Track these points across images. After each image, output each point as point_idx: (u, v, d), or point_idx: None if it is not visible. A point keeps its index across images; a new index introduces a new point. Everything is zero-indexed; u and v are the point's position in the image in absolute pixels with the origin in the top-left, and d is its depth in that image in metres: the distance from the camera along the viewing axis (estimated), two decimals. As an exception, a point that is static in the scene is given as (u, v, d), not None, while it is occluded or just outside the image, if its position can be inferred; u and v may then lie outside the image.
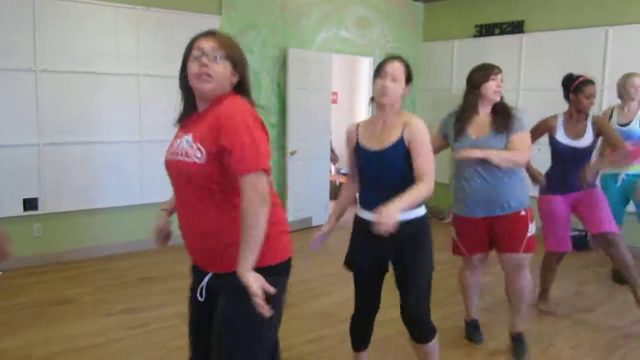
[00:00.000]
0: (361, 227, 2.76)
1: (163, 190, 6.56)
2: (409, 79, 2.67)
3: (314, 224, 7.03)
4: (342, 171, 8.87)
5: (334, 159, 8.17)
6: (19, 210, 5.05)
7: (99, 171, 5.37)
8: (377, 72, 2.65)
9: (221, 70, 1.83)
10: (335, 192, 8.74)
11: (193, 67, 1.82)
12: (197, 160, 1.78)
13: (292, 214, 6.69)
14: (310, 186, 6.86)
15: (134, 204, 5.48)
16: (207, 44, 1.83)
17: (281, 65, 6.56)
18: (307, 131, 6.82)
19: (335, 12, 7.05)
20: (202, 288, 1.95)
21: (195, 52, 1.83)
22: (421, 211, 2.65)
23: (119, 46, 5.41)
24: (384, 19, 7.60)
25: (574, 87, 3.88)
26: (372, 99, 2.71)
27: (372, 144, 2.66)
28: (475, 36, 7.44)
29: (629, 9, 5.97)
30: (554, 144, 3.96)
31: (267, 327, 1.92)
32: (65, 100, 5.16)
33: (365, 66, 7.90)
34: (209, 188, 1.81)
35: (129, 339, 3.64)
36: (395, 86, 2.60)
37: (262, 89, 6.43)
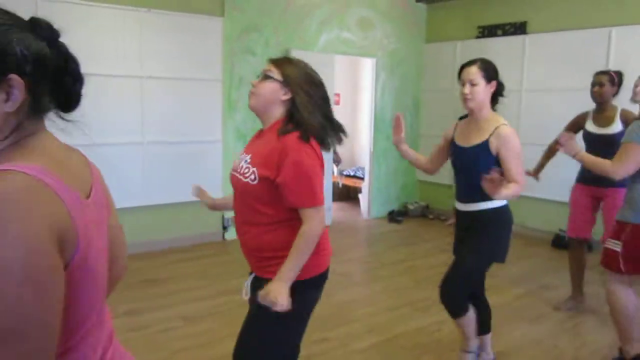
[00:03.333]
0: (457, 217, 3.07)
1: (165, 192, 6.56)
2: (491, 77, 2.94)
3: (316, 225, 7.02)
4: (344, 172, 8.87)
5: (337, 160, 8.18)
6: (22, 212, 5.05)
7: (102, 173, 5.35)
8: (459, 79, 2.90)
9: (266, 88, 2.03)
10: (338, 193, 8.75)
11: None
12: (249, 182, 1.99)
13: (295, 215, 6.69)
14: (313, 188, 6.84)
15: (136, 206, 5.46)
16: (265, 68, 2.07)
17: (284, 66, 6.55)
18: (310, 132, 6.81)
19: (338, 13, 7.05)
20: (246, 286, 2.14)
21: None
22: (501, 202, 2.87)
23: (122, 48, 5.42)
24: (386, 20, 7.60)
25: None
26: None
27: (462, 141, 2.94)
28: (478, 37, 7.43)
29: (631, 9, 5.96)
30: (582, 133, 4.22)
31: (282, 331, 2.11)
32: (68, 102, 5.16)
33: (368, 67, 7.89)
34: (255, 207, 2.01)
35: (132, 341, 3.64)
36: (476, 90, 2.82)
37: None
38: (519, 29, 6.96)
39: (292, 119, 2.02)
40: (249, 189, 1.99)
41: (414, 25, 7.96)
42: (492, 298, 4.56)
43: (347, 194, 9.18)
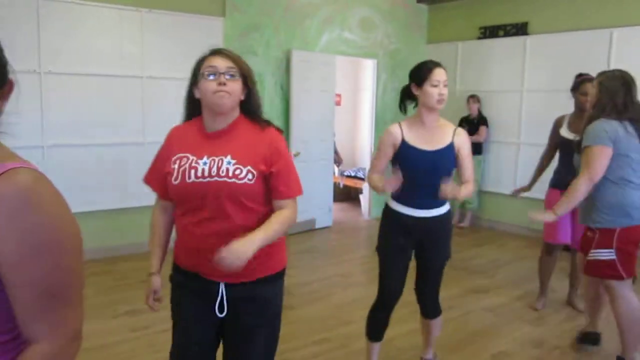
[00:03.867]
0: (394, 219, 2.92)
1: (166, 192, 6.43)
2: None
3: (317, 225, 7.03)
4: (345, 173, 8.88)
5: (337, 160, 8.18)
6: (22, 211, 5.05)
7: (103, 173, 5.37)
8: (425, 79, 2.75)
9: (236, 87, 1.94)
10: (339, 193, 8.74)
11: (210, 85, 1.91)
12: (247, 182, 1.92)
13: (296, 215, 6.69)
14: (313, 188, 6.85)
15: (137, 206, 5.44)
16: (220, 63, 1.93)
17: (285, 67, 6.56)
18: (311, 133, 6.82)
19: (339, 13, 7.05)
20: (221, 300, 1.99)
21: (208, 70, 1.92)
22: (445, 208, 2.92)
23: (123, 48, 5.42)
24: (387, 21, 7.60)
25: (573, 85, 4.08)
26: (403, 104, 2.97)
27: (422, 144, 2.80)
28: (479, 38, 7.42)
29: (633, 10, 5.95)
30: (556, 139, 4.17)
31: (277, 336, 2.15)
32: (68, 103, 5.17)
33: (369, 68, 7.90)
34: (245, 205, 1.94)
35: (133, 341, 3.65)
36: (446, 92, 2.78)
37: (266, 91, 6.44)
38: (520, 29, 6.95)
39: (250, 114, 2.03)
40: (244, 190, 1.91)
41: (416, 26, 7.96)
42: (492, 299, 4.59)
43: (348, 195, 9.18)
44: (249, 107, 2.02)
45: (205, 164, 1.92)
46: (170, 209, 2.11)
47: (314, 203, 6.93)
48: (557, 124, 4.18)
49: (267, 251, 1.93)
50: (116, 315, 4.08)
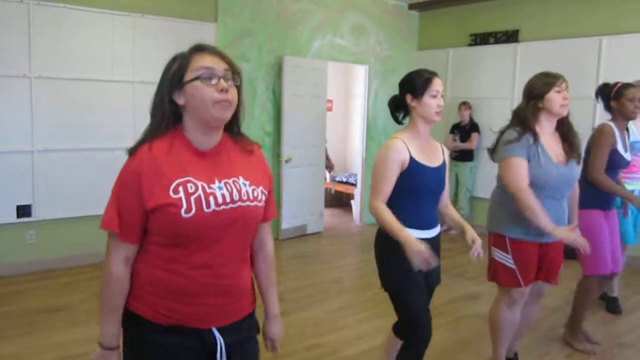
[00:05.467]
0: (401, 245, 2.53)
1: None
2: None
3: (308, 231, 7.02)
4: (337, 179, 8.89)
5: (329, 166, 8.19)
6: (12, 217, 5.03)
7: (94, 178, 5.35)
8: (424, 90, 2.56)
9: (236, 95, 1.62)
10: (330, 199, 8.75)
11: (209, 92, 1.55)
12: (259, 204, 1.70)
13: (287, 221, 6.69)
14: (305, 194, 6.86)
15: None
16: (216, 65, 1.58)
17: (277, 72, 6.57)
18: (302, 138, 6.83)
19: (331, 20, 7.08)
20: (221, 349, 1.68)
21: (204, 72, 1.57)
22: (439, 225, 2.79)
23: (114, 53, 5.41)
24: (379, 27, 7.63)
25: (614, 93, 3.66)
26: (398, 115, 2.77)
27: (426, 161, 2.62)
28: (470, 45, 7.47)
29: (622, 19, 6.02)
30: (612, 156, 3.56)
31: None
32: (60, 107, 5.16)
33: (361, 74, 7.92)
34: (255, 231, 1.76)
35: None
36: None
37: (258, 97, 6.44)
38: (511, 37, 7.00)
39: (232, 128, 1.72)
40: (260, 211, 1.71)
41: (407, 33, 8.00)
42: (483, 305, 4.59)
43: (339, 200, 9.19)
44: (236, 120, 1.70)
45: (221, 188, 1.60)
46: (133, 257, 1.67)
47: (305, 209, 6.93)
48: (611, 138, 3.57)
49: (251, 287, 1.80)
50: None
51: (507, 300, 3.09)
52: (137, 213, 1.59)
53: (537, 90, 2.92)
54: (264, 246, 1.85)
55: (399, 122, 2.78)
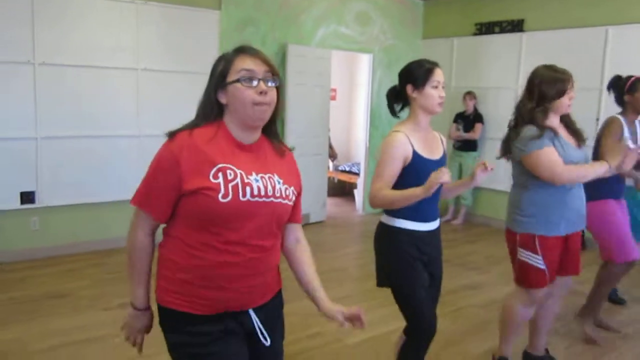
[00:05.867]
0: (406, 239, 2.54)
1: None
2: None
3: (311, 220, 7.03)
4: (340, 168, 8.88)
5: (332, 155, 8.18)
6: (16, 203, 5.04)
7: (97, 165, 5.36)
8: (426, 81, 2.48)
9: (275, 96, 1.69)
10: (333, 188, 8.75)
11: (248, 94, 1.62)
12: (290, 203, 1.78)
13: (290, 210, 6.69)
14: (308, 183, 6.77)
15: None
16: (257, 67, 1.65)
17: (280, 61, 6.54)
18: (306, 128, 6.82)
19: (335, 8, 7.04)
20: (260, 329, 1.78)
21: (244, 74, 1.63)
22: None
23: (118, 40, 5.40)
24: (383, 16, 7.59)
25: (629, 87, 3.62)
26: (394, 105, 2.68)
27: (428, 153, 2.55)
28: (475, 34, 7.43)
29: (628, 8, 5.97)
30: None
31: None
32: (63, 94, 5.15)
33: (365, 63, 7.89)
34: (281, 225, 1.82)
35: (126, 334, 3.64)
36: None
37: (261, 85, 6.42)
38: (516, 26, 6.96)
39: (270, 129, 1.80)
40: (288, 210, 1.79)
41: (411, 21, 7.95)
42: (485, 295, 4.60)
43: (342, 190, 9.19)
44: (274, 121, 1.79)
45: (257, 181, 1.66)
46: (155, 232, 1.76)
47: (308, 198, 6.91)
48: (619, 129, 3.56)
49: (278, 265, 1.88)
50: (110, 307, 4.07)
51: (526, 300, 3.03)
52: (171, 193, 1.64)
53: (550, 95, 2.83)
54: (300, 241, 1.96)
55: (396, 115, 2.69)
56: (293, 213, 1.86)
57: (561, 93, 2.81)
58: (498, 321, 3.27)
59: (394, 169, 2.47)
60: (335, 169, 8.90)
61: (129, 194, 1.71)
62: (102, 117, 5.38)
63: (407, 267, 2.52)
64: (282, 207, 1.74)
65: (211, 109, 1.70)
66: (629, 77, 3.67)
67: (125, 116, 5.49)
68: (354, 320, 1.82)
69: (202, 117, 1.71)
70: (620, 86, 3.69)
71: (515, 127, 2.95)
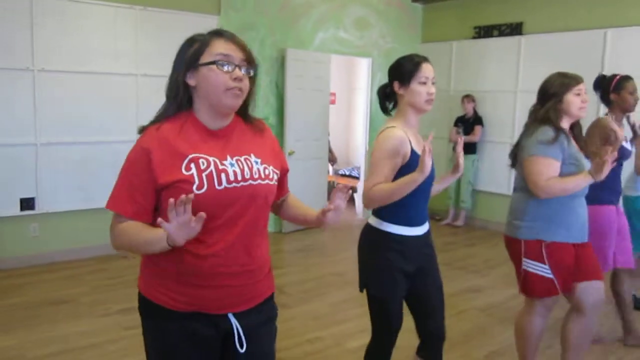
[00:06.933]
0: (395, 246, 2.41)
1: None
2: None
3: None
4: (340, 172, 8.88)
5: (332, 159, 8.18)
6: (15, 210, 5.04)
7: (97, 171, 5.35)
8: (412, 76, 2.37)
9: (248, 84, 1.63)
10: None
11: (222, 78, 1.57)
12: (270, 182, 1.70)
13: (290, 214, 6.68)
14: (308, 186, 6.84)
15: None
16: (234, 53, 1.60)
17: (279, 65, 6.55)
18: (306, 132, 6.82)
19: (334, 12, 7.05)
20: (239, 335, 1.68)
21: (221, 58, 1.58)
22: None
23: (117, 46, 5.40)
24: (382, 20, 7.60)
25: (614, 85, 3.58)
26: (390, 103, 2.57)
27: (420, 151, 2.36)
28: (474, 37, 7.44)
29: (627, 11, 5.98)
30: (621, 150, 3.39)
31: None
32: (62, 100, 5.15)
33: (364, 67, 7.90)
34: (267, 210, 1.75)
35: (127, 339, 3.63)
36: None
37: (260, 90, 6.43)
38: (515, 29, 6.97)
39: (242, 112, 1.74)
40: (272, 190, 1.72)
41: (410, 25, 7.97)
42: (485, 298, 4.60)
43: (342, 194, 9.17)
44: (245, 107, 1.72)
45: (232, 165, 1.61)
46: None
47: (308, 202, 6.83)
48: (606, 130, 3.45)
49: (269, 268, 1.79)
50: (110, 313, 4.07)
51: (540, 310, 2.93)
52: (148, 190, 1.59)
53: (553, 90, 2.79)
54: (287, 197, 1.97)
55: (388, 113, 2.55)
56: (281, 188, 1.87)
57: (566, 86, 2.75)
58: (516, 341, 3.11)
59: (392, 166, 2.31)
60: (335, 173, 8.90)
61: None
62: (101, 122, 5.38)
63: (386, 276, 2.41)
64: (263, 189, 1.67)
65: (177, 92, 1.65)
66: (614, 75, 3.66)
67: (124, 122, 5.48)
68: (333, 207, 1.71)
69: (169, 103, 1.67)
70: (605, 85, 3.66)
71: (526, 130, 2.87)
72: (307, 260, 5.63)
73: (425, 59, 2.40)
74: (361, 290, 2.54)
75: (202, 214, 1.44)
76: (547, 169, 2.68)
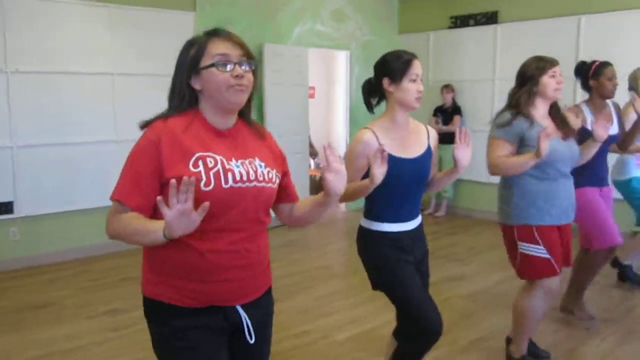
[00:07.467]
0: (388, 242, 2.45)
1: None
2: None
3: (295, 219, 7.02)
4: (321, 165, 8.86)
5: (312, 153, 8.18)
6: (-6, 214, 4.97)
7: (76, 172, 5.29)
8: (404, 74, 2.36)
9: (251, 79, 1.67)
10: (315, 187, 8.75)
11: (223, 77, 1.60)
12: (273, 186, 1.74)
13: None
14: (290, 181, 6.85)
15: (111, 205, 5.37)
16: (232, 51, 1.64)
17: (257, 61, 6.52)
18: (285, 127, 6.80)
19: (311, 5, 7.04)
20: (247, 325, 1.73)
21: (220, 59, 1.61)
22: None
23: (92, 45, 5.34)
24: (358, 12, 7.60)
25: (593, 72, 3.63)
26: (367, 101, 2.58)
27: (402, 152, 2.40)
28: (450, 27, 7.48)
29: (600, -3, 6.06)
30: (585, 134, 3.29)
31: None
32: (38, 102, 5.08)
33: (342, 60, 7.90)
34: (267, 212, 1.78)
35: (113, 341, 3.61)
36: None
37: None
38: (490, 18, 7.02)
39: (247, 113, 1.78)
40: (273, 193, 1.76)
41: (387, 17, 7.98)
42: (468, 286, 4.64)
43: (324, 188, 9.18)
44: (249, 105, 1.76)
45: (238, 166, 1.64)
46: None
47: (290, 196, 6.92)
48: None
49: (268, 262, 1.84)
50: (95, 315, 4.03)
51: (542, 293, 2.99)
52: (154, 182, 1.59)
53: (530, 73, 2.91)
54: (295, 204, 1.93)
55: (371, 110, 2.58)
56: (288, 193, 1.88)
57: (541, 70, 2.87)
58: (513, 322, 3.19)
59: (355, 167, 2.37)
60: (317, 166, 8.90)
61: (109, 200, 1.67)
62: (78, 123, 5.31)
63: (391, 269, 2.43)
64: (265, 191, 1.71)
65: (183, 97, 1.66)
66: (593, 62, 3.69)
67: (102, 121, 5.43)
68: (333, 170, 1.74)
69: (175, 106, 1.67)
70: (584, 71, 3.71)
71: (499, 112, 3.03)
72: (292, 255, 5.64)
73: (414, 56, 2.41)
74: (374, 289, 2.55)
75: (206, 204, 1.44)
76: (498, 148, 2.90)
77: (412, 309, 2.41)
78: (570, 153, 2.95)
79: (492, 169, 2.95)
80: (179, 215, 1.41)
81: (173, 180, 1.40)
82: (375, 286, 2.53)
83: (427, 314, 2.40)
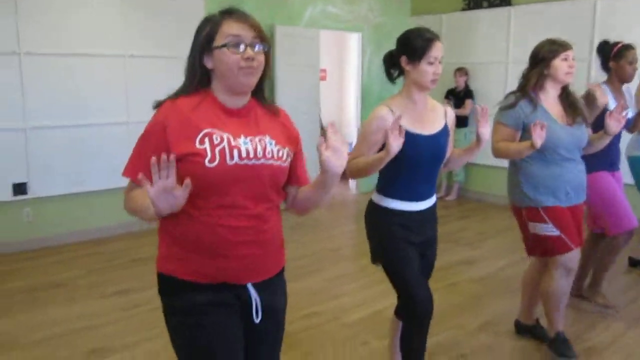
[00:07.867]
0: (394, 219, 2.46)
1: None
2: None
3: (305, 201, 7.04)
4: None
5: (324, 135, 8.15)
6: (8, 195, 5.02)
7: (88, 154, 5.33)
8: (422, 55, 2.33)
9: (263, 61, 1.67)
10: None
11: (234, 59, 1.61)
12: (283, 164, 1.74)
13: (283, 192, 6.70)
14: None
15: (123, 186, 5.38)
16: (245, 32, 1.63)
17: (268, 42, 6.49)
18: (297, 109, 6.77)
19: (322, -13, 6.97)
20: (256, 305, 1.75)
21: (231, 40, 1.61)
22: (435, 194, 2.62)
23: (104, 27, 5.33)
24: (371, -6, 7.53)
25: (615, 53, 3.56)
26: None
27: (419, 128, 2.39)
28: (463, 9, 7.39)
29: (616, -21, 5.95)
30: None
31: None
32: (50, 83, 5.10)
33: (354, 42, 7.85)
34: (278, 190, 1.78)
35: (124, 320, 3.66)
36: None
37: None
38: (504, 0, 6.92)
39: (258, 92, 1.78)
40: (283, 171, 1.75)
41: (399, -2, 7.90)
42: (478, 270, 4.64)
43: (335, 170, 9.18)
44: (261, 85, 1.76)
45: (246, 143, 1.65)
46: None
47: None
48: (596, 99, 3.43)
49: (281, 241, 1.85)
50: (106, 295, 4.08)
51: (562, 271, 2.98)
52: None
53: (542, 55, 2.90)
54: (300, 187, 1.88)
55: (392, 81, 2.55)
56: (297, 175, 1.84)
57: (553, 52, 2.86)
58: (543, 305, 3.18)
59: (369, 142, 2.39)
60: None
61: (121, 181, 1.70)
62: (90, 105, 5.33)
63: (394, 246, 2.46)
64: (274, 169, 1.70)
65: (195, 74, 1.69)
66: (616, 43, 3.62)
67: (114, 103, 5.45)
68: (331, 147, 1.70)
69: (188, 82, 1.71)
70: (606, 51, 3.64)
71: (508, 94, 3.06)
72: (302, 237, 5.66)
73: (436, 37, 2.36)
74: (373, 262, 2.59)
75: (188, 182, 1.45)
76: (497, 133, 2.98)
77: (407, 286, 2.46)
78: (572, 139, 2.91)
79: (494, 152, 3.01)
80: (161, 191, 1.44)
81: (153, 158, 1.42)
82: (375, 260, 2.57)
83: (417, 290, 2.45)
